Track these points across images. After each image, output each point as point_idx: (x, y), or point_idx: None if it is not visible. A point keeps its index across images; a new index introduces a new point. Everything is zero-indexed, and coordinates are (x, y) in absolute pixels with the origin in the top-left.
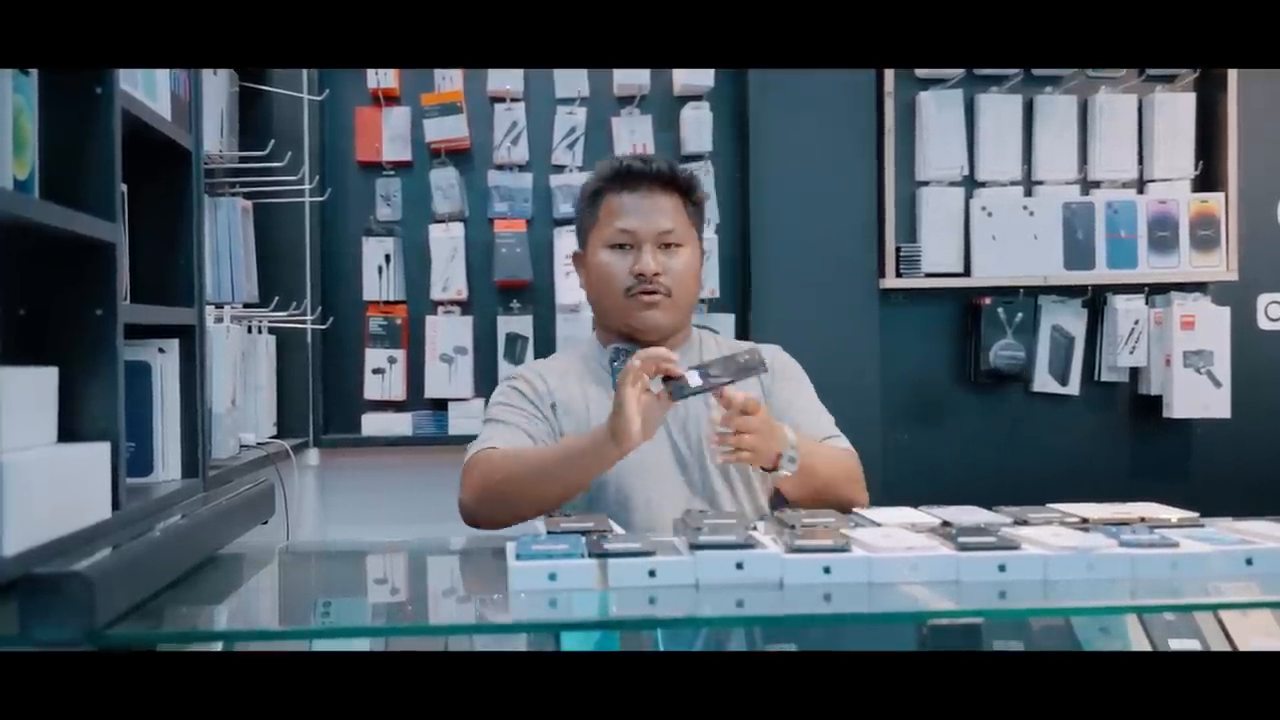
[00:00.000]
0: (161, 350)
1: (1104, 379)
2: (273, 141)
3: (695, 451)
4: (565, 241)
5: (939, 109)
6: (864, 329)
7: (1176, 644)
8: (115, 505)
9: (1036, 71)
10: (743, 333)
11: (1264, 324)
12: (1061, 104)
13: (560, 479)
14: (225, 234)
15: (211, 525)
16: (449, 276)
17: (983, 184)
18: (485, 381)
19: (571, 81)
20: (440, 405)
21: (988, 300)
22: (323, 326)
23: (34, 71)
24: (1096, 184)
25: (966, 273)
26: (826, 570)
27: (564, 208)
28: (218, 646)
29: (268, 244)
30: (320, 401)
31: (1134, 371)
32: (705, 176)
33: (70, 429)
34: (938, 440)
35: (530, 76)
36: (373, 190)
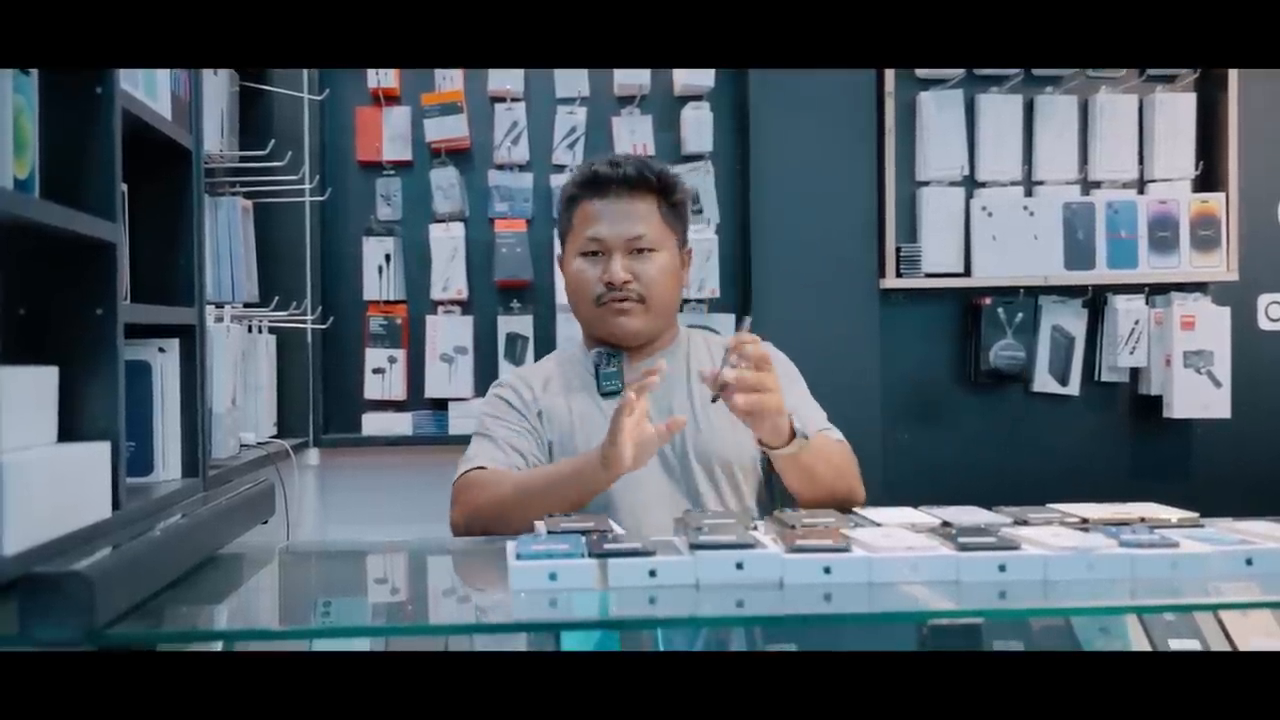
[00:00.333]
0: (162, 350)
1: (1104, 379)
2: (273, 141)
3: (680, 455)
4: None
5: (939, 109)
6: (864, 329)
7: (1176, 644)
8: (115, 505)
9: (1037, 72)
10: None
11: (1264, 324)
12: (1062, 104)
13: (549, 503)
14: (225, 234)
15: (211, 525)
16: (449, 276)
17: (983, 184)
18: (485, 381)
19: (572, 81)
20: (440, 405)
21: (988, 300)
22: (323, 326)
23: (34, 71)
24: (1097, 184)
25: (967, 273)
26: (827, 570)
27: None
28: (218, 646)
29: (268, 244)
30: (320, 401)
31: (1134, 372)
32: (705, 177)
33: (70, 428)
34: (938, 440)
35: (531, 76)
36: (373, 190)
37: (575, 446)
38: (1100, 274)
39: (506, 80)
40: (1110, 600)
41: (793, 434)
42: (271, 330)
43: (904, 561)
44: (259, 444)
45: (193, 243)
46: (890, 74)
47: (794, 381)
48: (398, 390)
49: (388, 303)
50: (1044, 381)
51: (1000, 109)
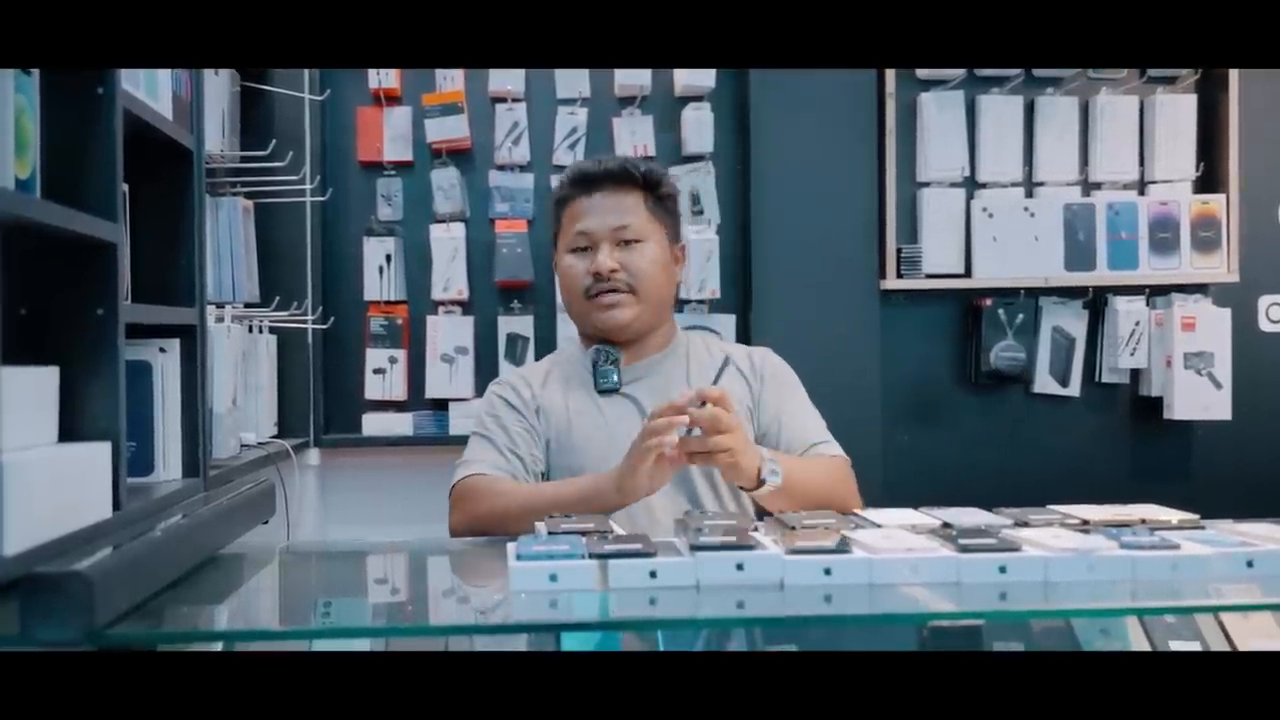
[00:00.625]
0: (162, 350)
1: (1105, 380)
2: (274, 141)
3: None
4: None
5: (940, 110)
6: (865, 330)
7: (1177, 646)
8: (116, 505)
9: (1037, 73)
10: (743, 333)
11: (1265, 325)
12: (1062, 105)
13: None
14: (226, 234)
15: (212, 525)
16: (450, 276)
17: (983, 185)
18: (486, 382)
19: (573, 82)
20: (441, 405)
21: (988, 301)
22: (324, 326)
23: (36, 71)
24: (1097, 185)
25: (967, 274)
26: (827, 571)
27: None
28: (218, 646)
29: (269, 244)
30: (321, 401)
31: (1135, 373)
32: (706, 177)
33: (71, 429)
34: (938, 441)
35: (531, 77)
36: (374, 190)
37: (573, 443)
38: (1101, 275)
39: (507, 81)
40: (1111, 602)
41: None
42: (272, 330)
43: (904, 563)
44: (259, 444)
45: (193, 243)
46: (891, 74)
47: (794, 389)
48: (398, 390)
49: (388, 303)
50: (1044, 383)
51: (1001, 110)
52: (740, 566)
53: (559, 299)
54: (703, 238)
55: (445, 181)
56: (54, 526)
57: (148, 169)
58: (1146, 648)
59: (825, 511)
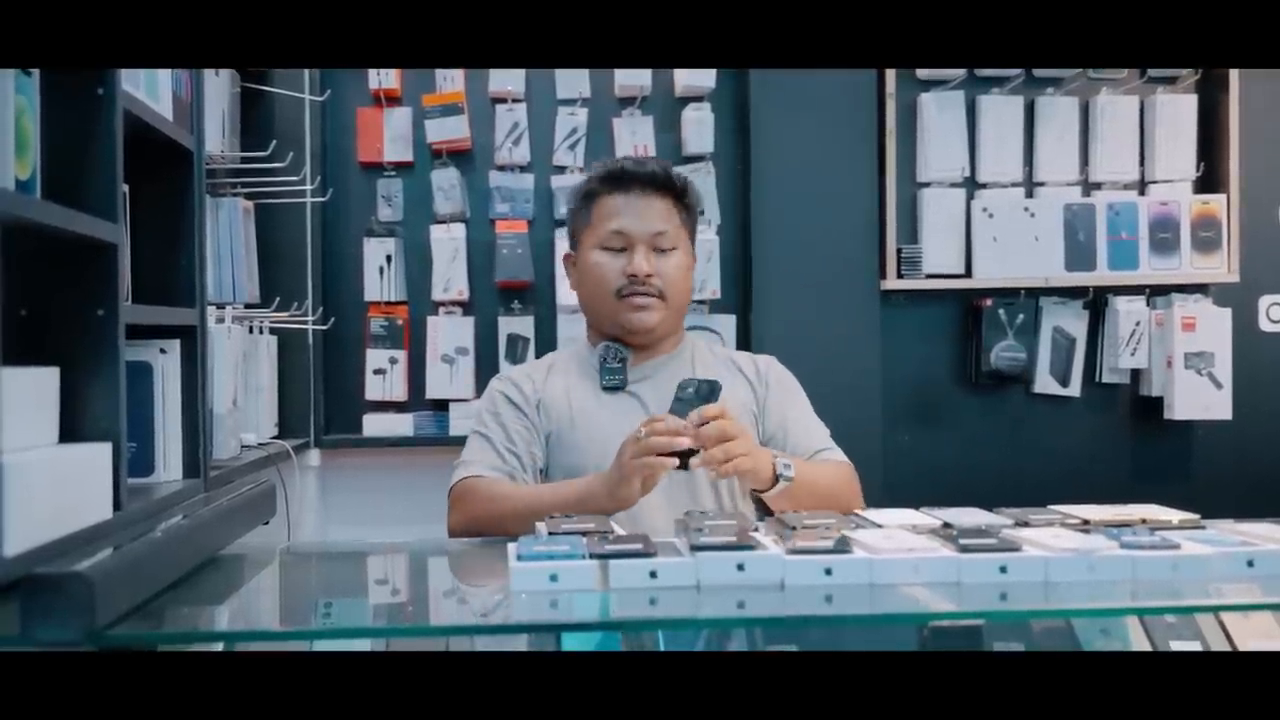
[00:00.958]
0: (163, 351)
1: (1105, 380)
2: (274, 142)
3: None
4: (566, 243)
5: (940, 110)
6: (865, 330)
7: (1177, 646)
8: (116, 505)
9: (1038, 73)
10: (744, 333)
11: (1265, 325)
12: (1063, 105)
13: None
14: (227, 234)
15: (212, 526)
16: (450, 277)
17: (984, 185)
18: (486, 382)
19: (573, 82)
20: (441, 406)
21: (989, 302)
22: (324, 327)
23: (36, 72)
24: (1098, 185)
25: (967, 274)
26: (828, 572)
27: (565, 209)
28: (218, 647)
29: (269, 244)
30: (321, 402)
31: (1135, 373)
32: (706, 178)
33: (71, 429)
34: (939, 441)
35: (532, 77)
36: (374, 191)
37: (575, 439)
38: (1101, 275)
39: (507, 81)
40: (1111, 602)
41: (775, 478)
42: (272, 331)
43: (905, 563)
44: (260, 445)
45: (194, 243)
46: (891, 75)
47: (798, 397)
48: (399, 391)
49: (389, 303)
50: (1045, 383)
51: (1001, 110)
52: (741, 567)
53: (560, 300)
54: (703, 238)
55: (445, 182)
56: (54, 527)
57: (148, 169)
58: (1147, 648)
59: (826, 512)
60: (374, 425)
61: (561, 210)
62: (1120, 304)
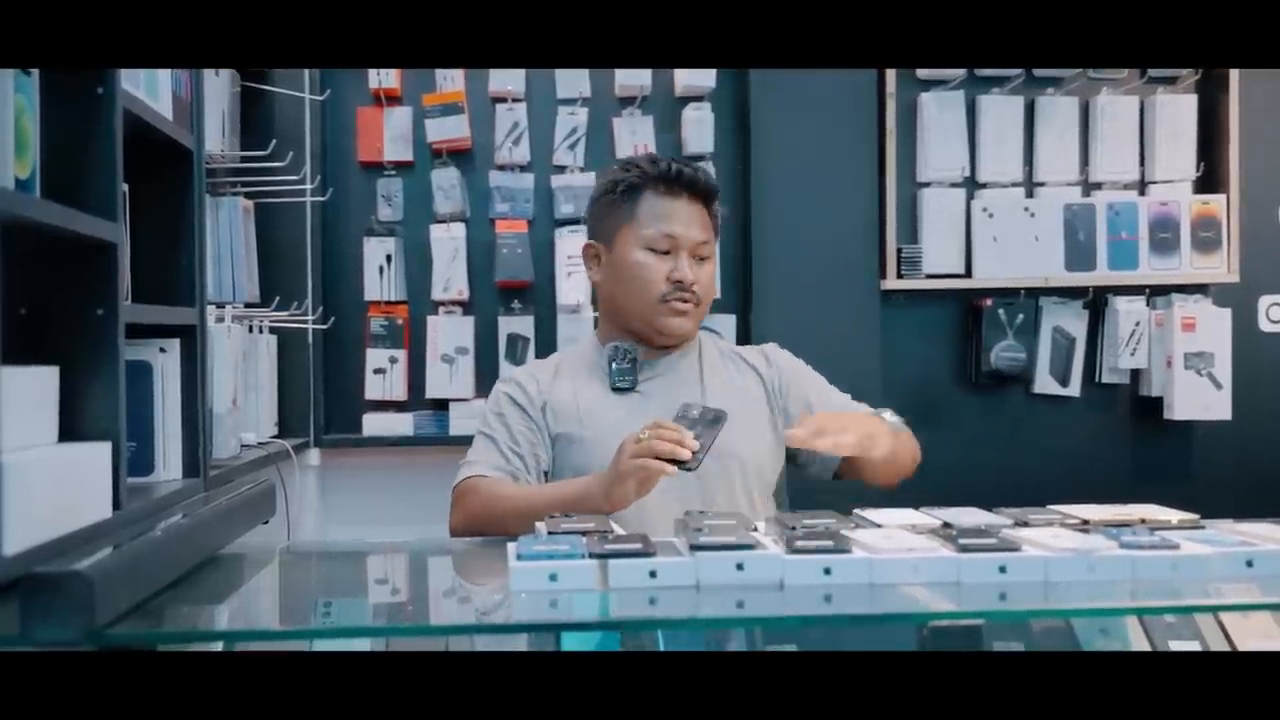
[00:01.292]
0: (163, 350)
1: (1105, 380)
2: (274, 141)
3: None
4: (566, 242)
5: (940, 110)
6: (865, 330)
7: (1177, 646)
8: (116, 505)
9: (1038, 73)
10: (744, 333)
11: (1265, 326)
12: (1063, 105)
13: None
14: (226, 234)
15: (212, 525)
16: (450, 277)
17: (984, 185)
18: (486, 382)
19: (573, 82)
20: (441, 405)
21: (989, 301)
22: (324, 326)
23: (36, 71)
24: (1098, 185)
25: (967, 274)
26: (827, 571)
27: (565, 208)
28: (218, 646)
29: (269, 244)
30: (321, 401)
31: (1135, 373)
32: None
33: (71, 428)
34: (938, 441)
35: (532, 77)
36: (374, 190)
37: (583, 438)
38: (1101, 275)
39: (508, 81)
40: (1111, 602)
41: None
42: (272, 330)
43: (904, 563)
44: (260, 444)
45: (194, 243)
46: (891, 74)
47: (812, 374)
48: (398, 391)
49: (389, 303)
50: (1045, 383)
51: (1001, 110)
52: (740, 566)
53: (560, 299)
54: None
55: (445, 181)
56: (54, 526)
57: (148, 169)
58: (1146, 648)
59: (826, 511)
60: (374, 425)
61: (562, 210)
62: (1120, 304)
